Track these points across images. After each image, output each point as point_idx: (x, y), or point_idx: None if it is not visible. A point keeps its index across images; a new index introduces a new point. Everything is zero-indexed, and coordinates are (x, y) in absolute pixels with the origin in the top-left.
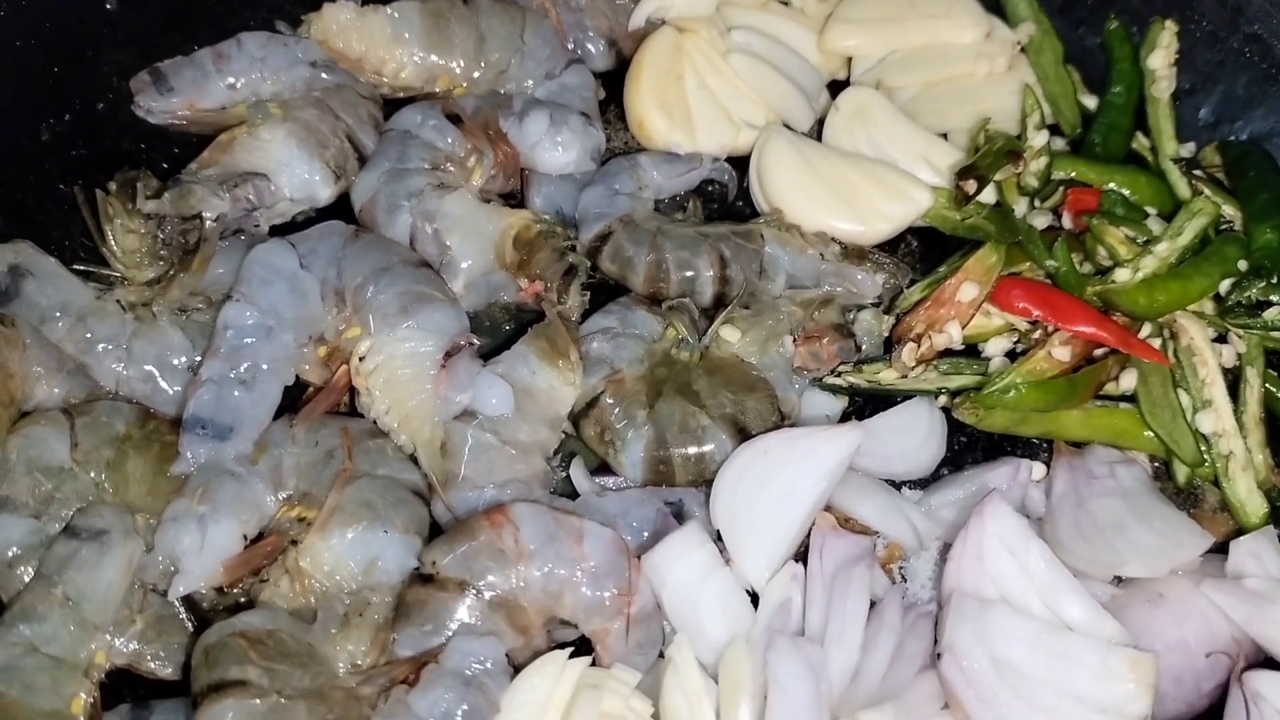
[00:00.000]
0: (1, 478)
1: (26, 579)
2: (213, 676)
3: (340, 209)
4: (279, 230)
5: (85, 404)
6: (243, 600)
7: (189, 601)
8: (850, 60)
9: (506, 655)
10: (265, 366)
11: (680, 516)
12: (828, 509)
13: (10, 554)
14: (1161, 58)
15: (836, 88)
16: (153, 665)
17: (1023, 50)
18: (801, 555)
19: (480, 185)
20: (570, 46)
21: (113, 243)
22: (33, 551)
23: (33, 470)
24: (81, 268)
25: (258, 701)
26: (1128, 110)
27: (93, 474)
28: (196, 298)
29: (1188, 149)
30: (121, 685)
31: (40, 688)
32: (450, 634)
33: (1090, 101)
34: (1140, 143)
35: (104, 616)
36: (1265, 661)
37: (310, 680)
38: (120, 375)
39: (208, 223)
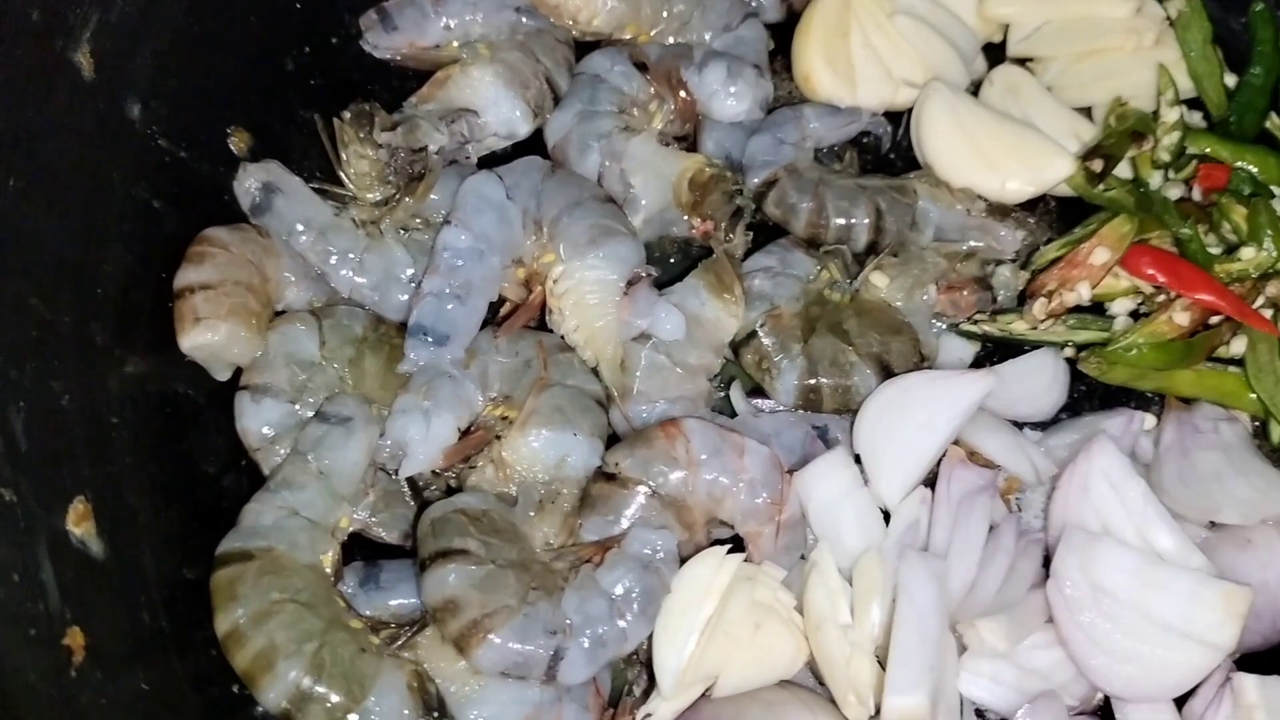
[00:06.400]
0: (264, 367)
1: (281, 454)
2: (439, 544)
3: (533, 142)
4: (482, 161)
5: (328, 307)
6: (453, 483)
7: (410, 480)
8: (1007, 27)
9: None
10: (476, 284)
11: (825, 440)
12: (957, 443)
13: (271, 432)
14: None
15: (991, 51)
16: (380, 531)
17: (1171, 26)
18: (930, 481)
19: (660, 128)
20: None
21: (347, 166)
22: (288, 431)
23: (290, 363)
24: (317, 186)
25: (474, 567)
26: (1265, 91)
27: (336, 367)
28: (417, 219)
29: None
30: (355, 546)
31: (301, 545)
32: (628, 525)
33: (1230, 81)
34: (1275, 123)
35: (348, 489)
36: None
37: (516, 553)
38: (354, 284)
39: (431, 155)
